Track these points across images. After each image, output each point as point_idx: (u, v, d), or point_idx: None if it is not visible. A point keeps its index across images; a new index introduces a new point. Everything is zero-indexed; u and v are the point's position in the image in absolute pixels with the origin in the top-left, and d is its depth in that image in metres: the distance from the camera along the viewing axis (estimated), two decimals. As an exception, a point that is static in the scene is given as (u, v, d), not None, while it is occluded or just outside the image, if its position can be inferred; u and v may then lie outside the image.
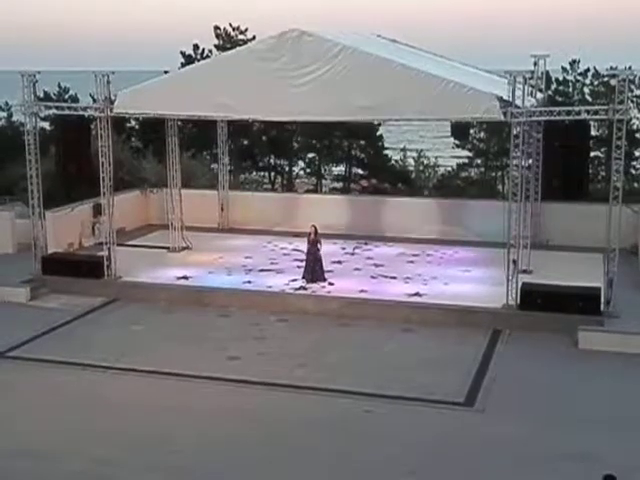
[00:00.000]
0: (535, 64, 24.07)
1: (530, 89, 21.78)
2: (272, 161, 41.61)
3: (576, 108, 20.55)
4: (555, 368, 17.21)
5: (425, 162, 43.83)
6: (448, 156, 43.92)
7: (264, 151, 40.64)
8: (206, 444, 14.00)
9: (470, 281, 22.43)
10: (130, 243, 26.73)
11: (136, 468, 13.31)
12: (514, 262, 19.85)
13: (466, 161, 40.12)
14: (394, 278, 22.78)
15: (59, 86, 40.27)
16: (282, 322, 20.23)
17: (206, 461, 13.51)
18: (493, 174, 39.35)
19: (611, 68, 27.33)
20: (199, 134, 36.49)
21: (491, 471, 13.15)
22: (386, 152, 41.39)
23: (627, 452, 13.51)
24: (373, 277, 22.99)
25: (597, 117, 20.30)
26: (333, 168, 42.18)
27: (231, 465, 13.42)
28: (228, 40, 40.18)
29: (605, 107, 19.54)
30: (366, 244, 26.65)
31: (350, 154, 40.73)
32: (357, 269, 23.83)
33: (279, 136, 39.37)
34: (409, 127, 66.78)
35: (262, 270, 23.80)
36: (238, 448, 13.88)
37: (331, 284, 22.15)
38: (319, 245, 22.37)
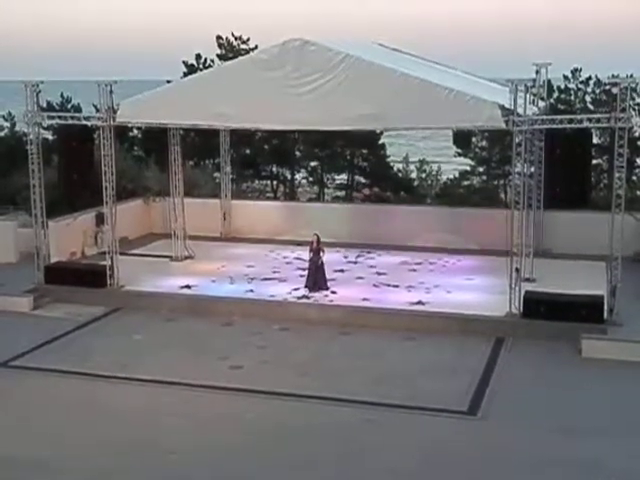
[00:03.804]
0: (537, 72, 24.09)
1: (532, 97, 21.82)
2: (274, 170, 41.61)
3: (578, 116, 20.56)
4: (558, 376, 17.19)
5: (427, 170, 43.84)
6: (451, 168, 43.86)
7: (266, 160, 40.62)
8: (207, 453, 13.97)
9: (473, 289, 22.42)
10: (133, 252, 26.76)
11: (137, 477, 13.31)
12: (517, 270, 19.83)
13: (468, 169, 40.12)
14: (397, 286, 22.78)
15: (62, 96, 40.31)
16: (284, 331, 20.23)
17: (207, 470, 13.51)
18: (495, 182, 39.32)
19: (613, 76, 27.25)
20: (201, 143, 36.50)
21: (494, 479, 13.14)
22: (388, 160, 41.39)
23: (630, 459, 13.49)
24: (376, 286, 22.98)
25: (599, 125, 20.34)
26: (335, 176, 42.17)
27: (231, 473, 13.41)
28: (230, 49, 40.21)
29: (607, 115, 19.56)
30: (369, 252, 26.65)
31: (352, 162, 40.73)
32: (360, 278, 23.82)
33: (281, 145, 39.38)
34: (412, 137, 66.88)
35: (265, 279, 23.81)
36: (239, 456, 13.87)
37: (334, 293, 22.15)
38: (321, 253, 22.38)
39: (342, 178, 42.07)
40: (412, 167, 44.14)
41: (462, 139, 38.36)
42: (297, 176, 42.27)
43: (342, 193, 41.45)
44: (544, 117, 21.10)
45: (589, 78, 37.62)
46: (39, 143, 23.32)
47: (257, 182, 42.17)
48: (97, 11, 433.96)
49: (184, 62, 40.50)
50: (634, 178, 35.08)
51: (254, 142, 39.00)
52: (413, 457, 13.82)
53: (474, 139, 38.61)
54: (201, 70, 36.84)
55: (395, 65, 21.49)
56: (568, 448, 13.97)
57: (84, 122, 23.50)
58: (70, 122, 23.59)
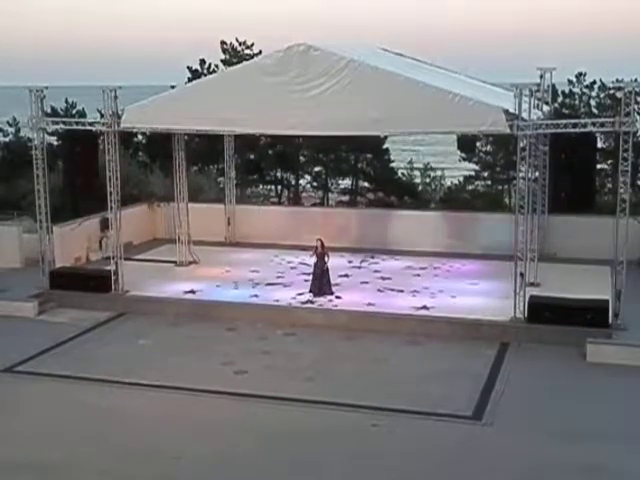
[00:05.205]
0: (541, 77, 24.14)
1: (536, 102, 21.81)
2: (279, 175, 41.71)
3: (582, 120, 20.49)
4: (563, 381, 17.16)
5: (432, 175, 43.87)
6: (455, 174, 43.88)
7: (271, 165, 40.72)
8: (211, 458, 13.97)
9: (477, 294, 22.39)
10: (137, 257, 26.77)
11: (143, 482, 13.32)
12: (521, 275, 19.81)
13: (473, 174, 40.14)
14: (401, 291, 22.76)
15: (66, 101, 40.42)
16: (289, 336, 20.22)
17: (210, 474, 13.52)
18: (500, 187, 39.35)
19: (617, 80, 27.28)
20: (206, 148, 36.57)
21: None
22: (392, 165, 41.43)
23: (636, 465, 13.45)
24: (380, 290, 22.96)
25: (603, 129, 20.23)
26: (340, 181, 42.24)
27: (236, 478, 13.40)
28: (235, 55, 40.31)
29: (611, 119, 19.53)
30: (373, 257, 26.63)
31: (356, 167, 40.79)
32: (364, 282, 23.80)
33: (286, 150, 39.45)
34: (416, 142, 66.83)
35: (269, 284, 23.80)
36: (243, 461, 13.86)
37: (338, 297, 22.14)
38: (326, 258, 22.38)
39: (346, 183, 42.13)
40: (416, 172, 44.17)
41: (466, 144, 38.40)
42: (301, 181, 42.33)
43: (346, 198, 41.51)
44: (548, 121, 21.12)
45: (593, 82, 37.68)
46: (44, 148, 23.34)
47: (261, 187, 42.26)
48: (100, 16, 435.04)
49: (188, 67, 40.65)
50: (639, 182, 35.05)
51: (258, 147, 39.08)
52: (418, 461, 13.80)
53: (478, 144, 38.66)
54: (205, 75, 36.90)
55: (399, 70, 21.50)
56: (573, 453, 13.94)
57: (88, 127, 23.53)
58: (74, 127, 23.61)
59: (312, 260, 22.79)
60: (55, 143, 33.82)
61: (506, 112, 19.33)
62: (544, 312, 19.45)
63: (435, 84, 20.72)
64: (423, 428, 15.10)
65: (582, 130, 19.75)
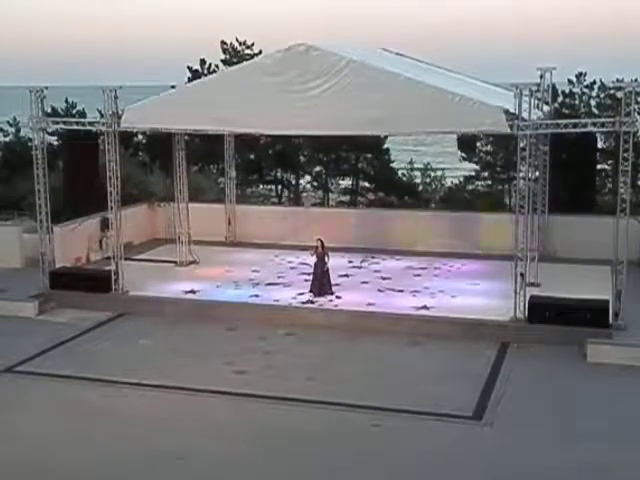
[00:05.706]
0: (541, 77, 24.13)
1: (536, 102, 21.81)
2: (279, 175, 41.71)
3: (582, 120, 20.50)
4: (564, 381, 17.16)
5: (432, 175, 43.87)
6: (457, 173, 43.86)
7: (271, 165, 40.72)
8: (210, 457, 13.96)
9: (478, 294, 22.39)
10: (137, 257, 26.78)
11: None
12: (522, 275, 19.81)
13: (473, 174, 40.13)
14: (401, 291, 22.76)
15: (67, 101, 40.42)
16: (289, 336, 20.22)
17: (213, 474, 13.50)
18: (500, 187, 39.33)
19: (617, 80, 27.27)
20: (206, 148, 36.55)
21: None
22: (393, 165, 41.42)
23: (636, 465, 13.44)
24: (380, 290, 22.97)
25: (604, 129, 20.24)
26: (340, 181, 42.23)
27: (235, 478, 13.39)
28: (235, 55, 40.32)
29: (611, 119, 19.53)
30: (373, 257, 26.63)
31: (357, 167, 40.78)
32: (364, 282, 23.81)
33: (286, 150, 39.44)
34: (417, 142, 66.87)
35: (269, 284, 23.81)
36: (243, 461, 13.85)
37: (339, 297, 22.15)
38: (326, 258, 22.39)
39: (347, 183, 42.12)
40: (416, 172, 44.17)
41: (467, 143, 38.40)
42: (301, 181, 42.32)
43: (346, 198, 41.50)
44: (549, 121, 21.12)
45: (594, 82, 37.63)
46: (44, 148, 23.33)
47: (261, 187, 42.26)
48: (101, 17, 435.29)
49: (189, 67, 40.63)
50: (639, 182, 35.03)
51: (258, 147, 39.06)
52: (418, 461, 13.80)
53: (479, 144, 38.66)
54: (205, 75, 36.89)
55: (399, 70, 21.50)
56: (573, 453, 13.94)
57: (89, 127, 23.53)
58: (75, 127, 23.61)
59: (312, 260, 22.84)
60: (55, 143, 33.82)
61: (506, 112, 19.33)
62: (544, 312, 19.47)
63: (435, 84, 20.73)
64: (423, 428, 15.10)
65: (582, 130, 19.76)
